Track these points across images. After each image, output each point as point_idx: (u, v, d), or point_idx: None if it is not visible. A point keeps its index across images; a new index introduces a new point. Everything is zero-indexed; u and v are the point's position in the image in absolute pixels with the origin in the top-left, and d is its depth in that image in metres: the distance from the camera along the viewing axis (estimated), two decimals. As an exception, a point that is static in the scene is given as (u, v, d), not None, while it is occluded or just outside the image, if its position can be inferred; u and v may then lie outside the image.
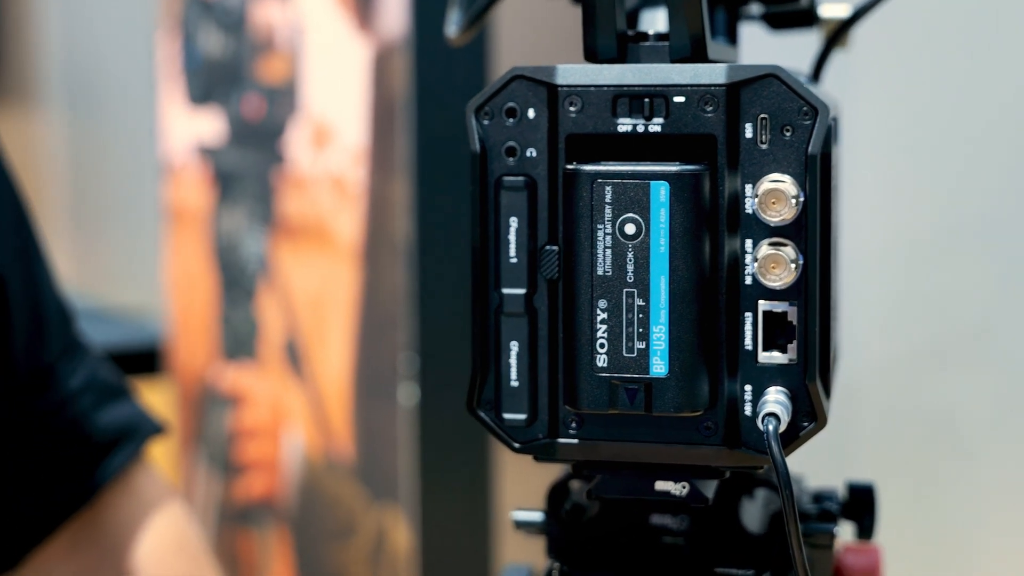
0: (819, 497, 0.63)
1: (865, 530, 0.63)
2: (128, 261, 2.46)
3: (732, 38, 0.66)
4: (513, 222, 0.52)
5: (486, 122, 0.52)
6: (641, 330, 0.50)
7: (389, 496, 1.43)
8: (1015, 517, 1.14)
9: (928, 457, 1.19)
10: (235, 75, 1.70)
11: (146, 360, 2.06)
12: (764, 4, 0.69)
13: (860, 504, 0.63)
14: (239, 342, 1.73)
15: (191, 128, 1.80)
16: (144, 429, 0.86)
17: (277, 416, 1.64)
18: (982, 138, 1.16)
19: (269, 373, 1.65)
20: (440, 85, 1.33)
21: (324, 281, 1.53)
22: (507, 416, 0.52)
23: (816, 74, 0.68)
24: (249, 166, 1.68)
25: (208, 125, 1.76)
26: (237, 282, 1.73)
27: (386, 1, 1.41)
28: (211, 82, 1.76)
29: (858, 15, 0.67)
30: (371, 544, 1.47)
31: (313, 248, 1.55)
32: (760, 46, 0.74)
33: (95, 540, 0.84)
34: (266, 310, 1.66)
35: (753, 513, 0.59)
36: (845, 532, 0.63)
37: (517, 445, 0.53)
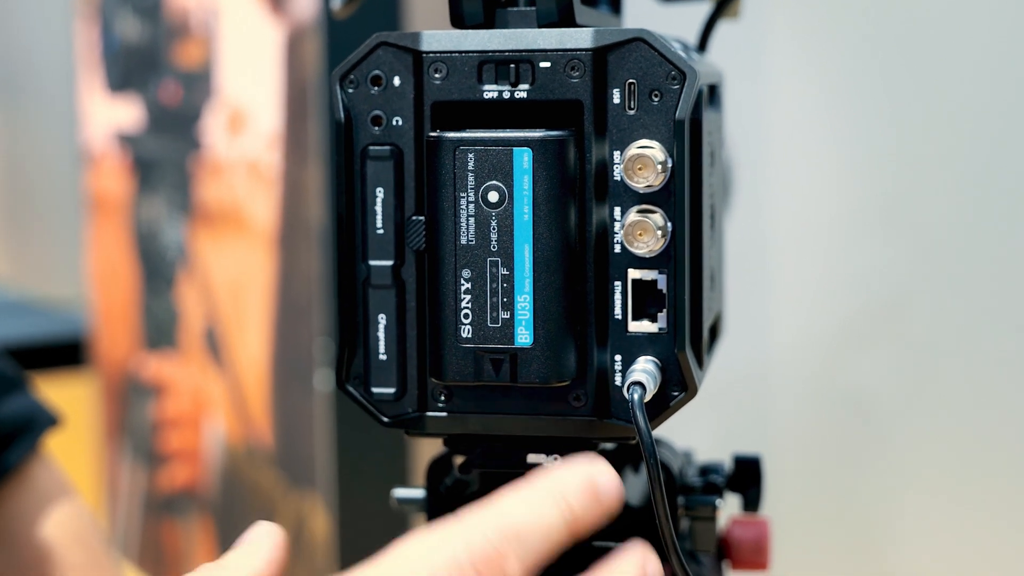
0: (705, 470, 0.62)
1: (751, 503, 0.62)
2: (50, 252, 2.43)
3: (616, 8, 0.65)
4: (379, 192, 0.51)
5: (351, 90, 0.51)
6: (505, 300, 0.49)
7: (307, 482, 1.42)
8: (926, 494, 1.14)
9: (841, 435, 1.19)
10: (152, 61, 1.68)
11: (70, 352, 2.04)
12: (652, -26, 0.68)
13: (746, 476, 0.63)
14: (160, 331, 1.71)
15: (110, 115, 1.77)
16: (40, 421, 0.85)
17: (198, 405, 1.63)
18: (898, 119, 1.16)
19: (190, 362, 1.64)
20: (344, 61, 1.32)
21: (241, 268, 1.51)
22: (376, 390, 0.51)
23: (702, 44, 0.67)
24: (167, 153, 1.66)
25: (127, 112, 1.74)
26: (157, 271, 1.71)
27: (298, -17, 1.39)
28: (129, 68, 1.74)
29: (745, -16, 0.67)
30: (291, 530, 1.45)
31: (230, 235, 1.53)
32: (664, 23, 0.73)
33: None
34: (186, 298, 1.64)
35: (635, 485, 0.58)
36: (732, 505, 0.62)
37: (386, 419, 0.52)
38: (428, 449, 1.42)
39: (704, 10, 0.71)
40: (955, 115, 1.12)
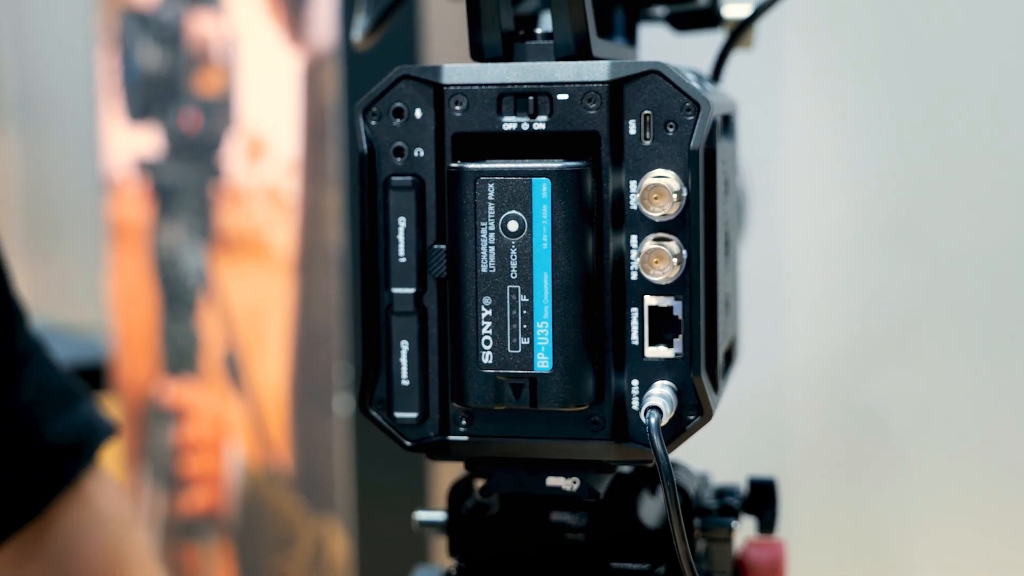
0: (721, 493, 0.63)
1: (766, 525, 0.63)
2: (72, 278, 2.45)
3: (631, 39, 0.67)
4: (402, 222, 0.52)
5: (374, 122, 0.52)
6: (525, 326, 0.50)
7: (327, 506, 1.43)
8: (941, 511, 1.15)
9: (856, 452, 1.20)
10: (172, 89, 1.70)
11: (91, 377, 2.05)
12: (666, 5, 0.69)
13: (761, 499, 0.64)
14: (181, 357, 1.72)
15: (131, 143, 1.79)
16: (97, 434, 0.84)
17: (219, 429, 1.64)
18: (910, 138, 1.17)
19: (210, 387, 1.65)
20: (366, 93, 1.33)
21: (261, 293, 1.53)
22: (398, 415, 0.52)
23: (716, 73, 0.69)
24: (187, 180, 1.67)
25: (147, 140, 1.76)
26: (178, 297, 1.72)
27: (317, 12, 1.41)
28: (149, 97, 1.76)
29: (758, 13, 0.68)
30: (310, 554, 1.46)
31: (250, 261, 1.54)
32: (677, 51, 0.74)
33: (43, 551, 0.82)
34: (206, 324, 1.65)
35: (652, 508, 0.59)
36: (748, 527, 0.63)
37: (409, 443, 0.53)
38: (446, 472, 1.44)
39: (718, 39, 0.72)
40: (966, 136, 1.13)
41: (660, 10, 0.71)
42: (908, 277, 1.16)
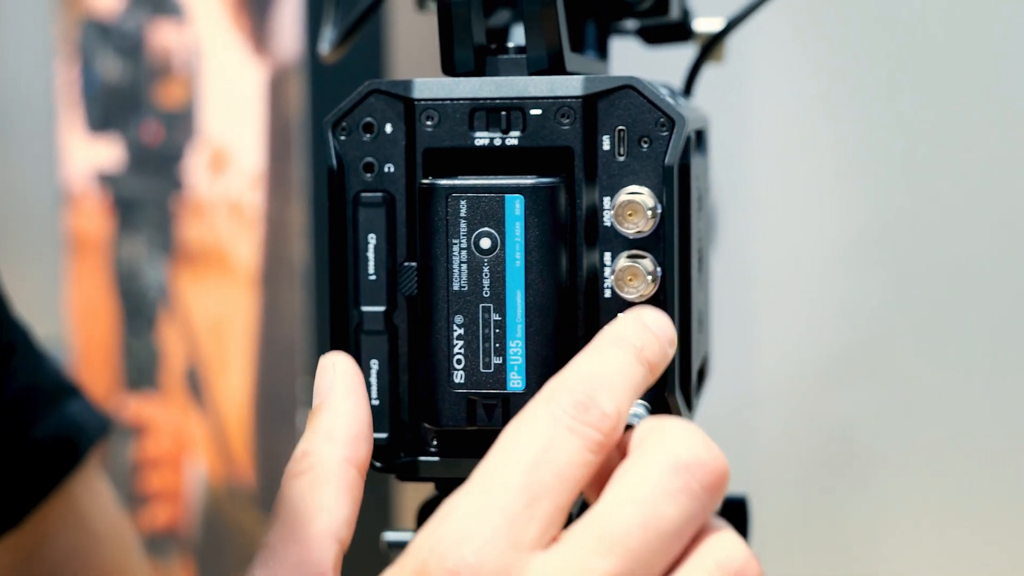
0: (693, 511, 0.62)
1: (739, 543, 0.62)
2: (29, 292, 2.43)
3: (602, 52, 0.66)
4: (371, 239, 0.51)
5: (343, 137, 0.51)
6: (498, 345, 0.49)
7: (290, 523, 1.41)
8: (913, 528, 1.15)
9: (825, 468, 1.20)
10: (133, 100, 1.68)
11: (49, 391, 2.02)
12: (637, 18, 0.69)
13: (732, 517, 0.63)
14: (141, 372, 1.70)
15: (91, 155, 1.78)
16: (89, 432, 0.76)
17: (179, 445, 1.62)
18: (880, 153, 1.17)
19: (171, 402, 1.63)
20: (335, 107, 1.32)
21: (224, 307, 1.51)
22: None
23: (688, 88, 0.68)
24: (148, 193, 1.66)
25: (107, 152, 1.74)
26: (138, 311, 1.71)
27: (281, 23, 1.40)
28: (110, 108, 1.74)
29: (729, 27, 0.68)
30: (273, 572, 1.45)
31: (212, 274, 1.53)
32: (648, 65, 0.74)
33: (24, 567, 0.75)
34: (167, 338, 1.64)
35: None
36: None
37: (379, 465, 0.52)
38: (412, 490, 1.43)
39: (688, 52, 0.72)
40: (937, 150, 1.13)
41: (630, 23, 0.71)
42: (877, 292, 1.16)
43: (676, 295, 0.50)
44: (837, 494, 1.19)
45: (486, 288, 0.49)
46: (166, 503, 1.66)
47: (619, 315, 0.48)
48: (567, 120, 0.50)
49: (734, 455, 1.30)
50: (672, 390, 0.49)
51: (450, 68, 0.53)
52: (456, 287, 0.49)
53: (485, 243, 0.49)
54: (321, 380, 0.49)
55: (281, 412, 1.42)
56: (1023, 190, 1.12)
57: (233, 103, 1.48)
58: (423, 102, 0.51)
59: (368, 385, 0.51)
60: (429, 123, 0.51)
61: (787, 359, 1.22)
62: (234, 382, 1.50)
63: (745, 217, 1.22)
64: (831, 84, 1.20)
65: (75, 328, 1.87)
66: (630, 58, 0.72)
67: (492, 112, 0.50)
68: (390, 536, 0.60)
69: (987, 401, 1.12)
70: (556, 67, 0.52)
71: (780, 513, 1.20)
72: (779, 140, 1.22)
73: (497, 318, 0.49)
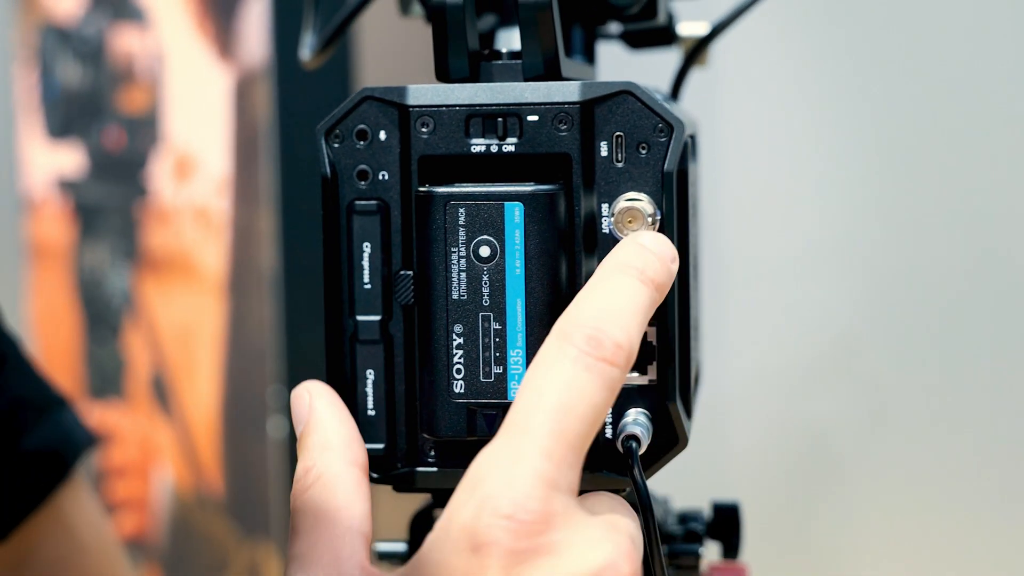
0: (685, 518, 0.62)
1: (731, 549, 0.62)
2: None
3: (590, 57, 0.66)
4: (366, 247, 0.50)
5: (336, 145, 0.51)
6: (498, 354, 0.49)
7: (261, 531, 1.40)
8: (885, 531, 1.15)
9: (798, 472, 1.20)
10: (95, 106, 1.66)
11: (10, 400, 2.00)
12: (622, 22, 0.68)
13: (725, 523, 0.63)
14: (105, 380, 1.69)
15: (51, 162, 1.76)
16: (77, 445, 0.76)
17: (146, 453, 1.61)
18: (851, 159, 1.17)
19: (136, 410, 1.62)
20: (303, 112, 1.32)
21: (190, 315, 1.50)
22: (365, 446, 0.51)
23: (675, 92, 0.68)
24: (111, 199, 1.64)
25: (68, 158, 1.72)
26: (102, 318, 1.69)
27: (247, 28, 1.38)
28: (70, 114, 1.72)
29: (715, 32, 0.67)
30: (244, 582, 1.44)
31: (178, 281, 1.52)
32: (633, 69, 0.73)
33: None
34: (132, 346, 1.62)
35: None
36: (711, 552, 0.62)
37: (376, 476, 0.51)
38: (383, 498, 1.42)
39: (668, 57, 0.71)
40: (908, 156, 1.13)
41: (613, 27, 0.70)
42: (849, 297, 1.16)
43: (676, 302, 0.49)
44: (811, 496, 1.19)
45: (486, 297, 0.49)
46: (133, 511, 1.64)
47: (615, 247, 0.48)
48: (565, 126, 0.49)
49: (709, 459, 1.31)
50: (673, 399, 0.49)
51: (444, 74, 0.52)
52: (455, 296, 0.49)
53: (484, 251, 0.49)
54: (298, 406, 0.49)
55: (250, 420, 1.41)
56: (999, 197, 1.12)
57: (198, 109, 1.47)
58: (418, 109, 0.50)
59: (363, 395, 0.51)
60: (424, 130, 0.50)
61: (760, 364, 1.22)
62: (202, 390, 1.49)
63: (716, 223, 1.22)
64: (800, 90, 1.20)
65: (36, 336, 1.85)
66: (610, 62, 0.71)
67: (488, 118, 0.50)
68: (382, 547, 0.60)
69: (960, 405, 1.12)
70: (552, 73, 0.51)
71: (754, 515, 1.20)
72: (749, 145, 1.22)
73: (497, 327, 0.49)
